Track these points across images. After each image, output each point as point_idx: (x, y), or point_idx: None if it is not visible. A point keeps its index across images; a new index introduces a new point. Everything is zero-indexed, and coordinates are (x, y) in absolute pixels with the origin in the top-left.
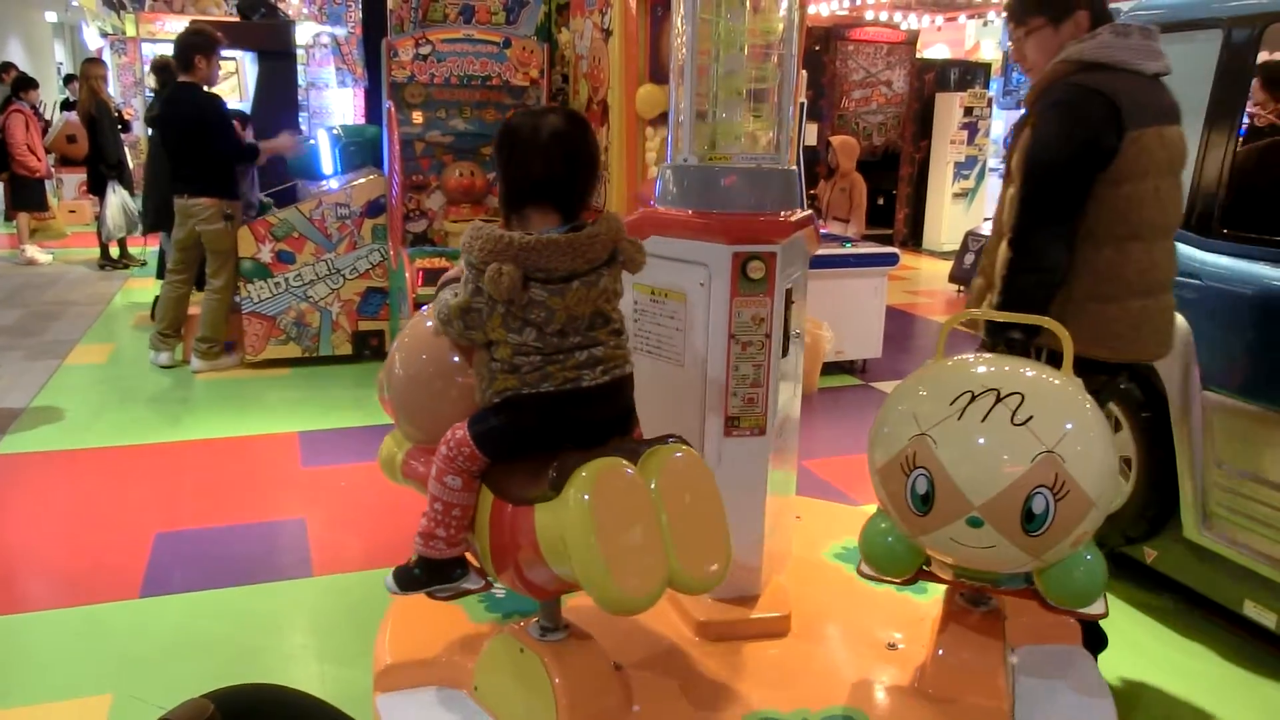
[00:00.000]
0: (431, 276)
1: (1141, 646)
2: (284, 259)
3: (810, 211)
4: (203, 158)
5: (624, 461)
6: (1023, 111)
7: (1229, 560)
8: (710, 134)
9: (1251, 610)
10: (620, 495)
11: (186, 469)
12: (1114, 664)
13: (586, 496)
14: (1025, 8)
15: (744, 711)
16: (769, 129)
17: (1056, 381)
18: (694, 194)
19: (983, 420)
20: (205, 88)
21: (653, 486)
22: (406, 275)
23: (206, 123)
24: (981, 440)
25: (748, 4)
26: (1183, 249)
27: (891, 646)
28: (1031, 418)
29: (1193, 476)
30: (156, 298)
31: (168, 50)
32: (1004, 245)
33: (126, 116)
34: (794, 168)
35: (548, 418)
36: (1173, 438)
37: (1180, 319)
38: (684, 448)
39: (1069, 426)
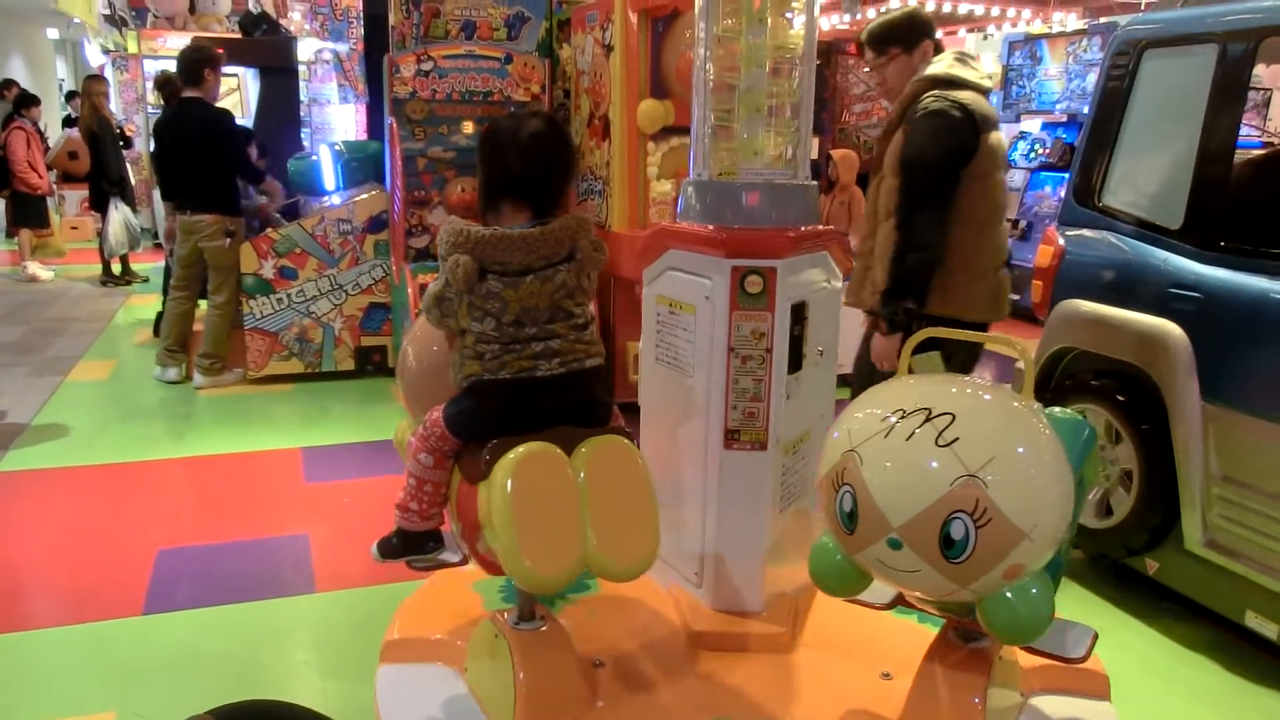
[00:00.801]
0: None
1: (1143, 657)
2: (286, 275)
3: (831, 228)
4: (207, 173)
5: (554, 448)
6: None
7: (1230, 571)
8: (723, 150)
9: (1253, 621)
10: (542, 479)
11: (189, 485)
12: (1116, 674)
13: (509, 478)
14: (885, 39)
15: (704, 718)
16: (779, 145)
17: (1006, 405)
18: (706, 209)
19: (907, 439)
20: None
21: (582, 475)
22: (409, 290)
23: (218, 137)
24: (903, 459)
25: (768, 22)
26: (1181, 261)
27: (886, 676)
28: (958, 440)
29: (1193, 488)
30: (159, 314)
31: (170, 66)
32: (888, 228)
33: (128, 133)
34: (811, 183)
35: (505, 404)
36: (1173, 449)
37: (1178, 330)
38: (621, 439)
39: (998, 452)
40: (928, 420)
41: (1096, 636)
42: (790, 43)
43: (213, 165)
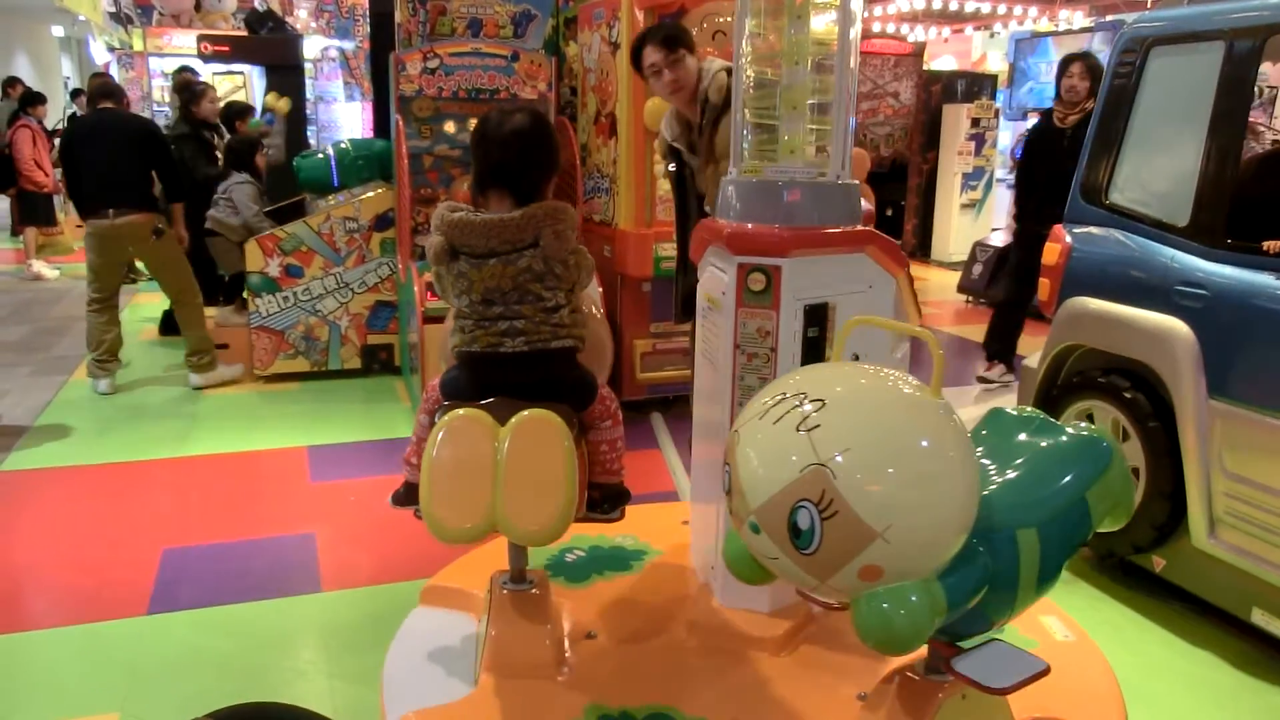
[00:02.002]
0: None
1: (1150, 654)
2: (292, 273)
3: (867, 229)
4: (132, 171)
5: (486, 416)
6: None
7: (1237, 568)
8: (751, 148)
9: (1259, 618)
10: (465, 443)
11: (194, 484)
12: (1123, 671)
13: (434, 440)
14: (679, 41)
15: (648, 700)
16: (808, 143)
17: (892, 397)
18: (737, 206)
19: (775, 423)
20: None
21: (505, 444)
22: (415, 289)
23: (150, 140)
24: (766, 442)
25: (808, 19)
26: (1188, 259)
27: (861, 697)
28: (818, 427)
29: (1200, 485)
30: (165, 312)
31: (177, 65)
32: None
33: None
34: (851, 183)
35: (477, 374)
36: (1180, 446)
37: (1185, 328)
38: (550, 416)
39: (858, 444)
40: (799, 405)
41: (1046, 672)
42: (815, 38)
43: (139, 164)
